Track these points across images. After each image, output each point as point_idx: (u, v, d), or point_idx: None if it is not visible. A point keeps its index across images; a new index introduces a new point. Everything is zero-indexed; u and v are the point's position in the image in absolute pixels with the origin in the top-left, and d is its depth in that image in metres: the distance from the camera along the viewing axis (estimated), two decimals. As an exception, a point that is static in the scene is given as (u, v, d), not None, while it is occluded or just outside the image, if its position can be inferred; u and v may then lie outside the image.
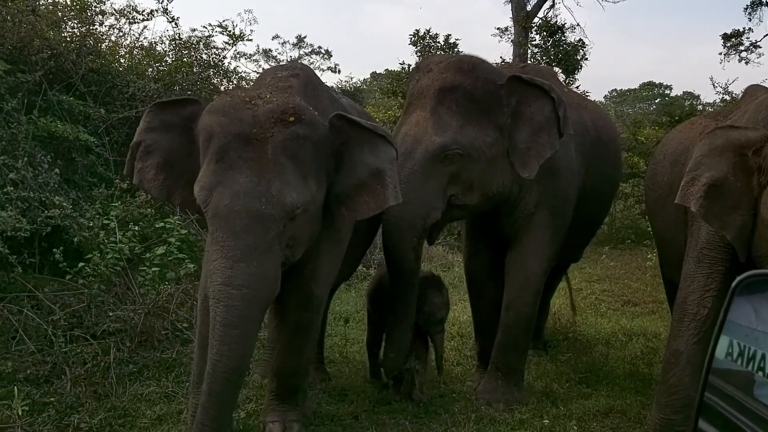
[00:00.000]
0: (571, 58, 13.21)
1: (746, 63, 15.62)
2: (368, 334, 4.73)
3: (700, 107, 17.41)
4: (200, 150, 3.02)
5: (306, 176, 2.97)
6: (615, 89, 33.21)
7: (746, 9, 15.34)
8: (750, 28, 15.59)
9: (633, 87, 33.09)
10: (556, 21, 14.35)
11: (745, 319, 1.65)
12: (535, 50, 13.71)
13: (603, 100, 30.00)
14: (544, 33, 13.77)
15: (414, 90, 4.01)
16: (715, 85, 14.91)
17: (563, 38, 13.65)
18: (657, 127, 12.32)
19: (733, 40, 15.55)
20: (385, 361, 4.19)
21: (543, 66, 6.00)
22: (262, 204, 2.83)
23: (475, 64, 3.92)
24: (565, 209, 4.30)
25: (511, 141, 3.86)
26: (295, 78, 3.41)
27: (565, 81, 13.43)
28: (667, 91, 31.36)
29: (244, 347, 2.85)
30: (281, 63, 20.97)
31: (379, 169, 3.19)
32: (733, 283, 1.68)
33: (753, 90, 4.20)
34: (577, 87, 13.41)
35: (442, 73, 3.85)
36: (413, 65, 13.15)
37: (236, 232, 2.80)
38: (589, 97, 13.44)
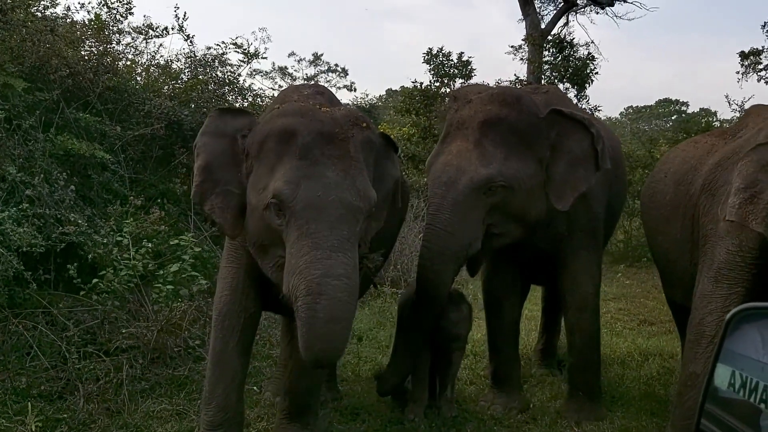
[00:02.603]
0: (580, 72, 13.23)
1: (766, 83, 15.41)
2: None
3: (716, 124, 17.26)
4: (268, 153, 2.99)
5: (370, 179, 3.05)
6: (631, 106, 33.23)
7: (764, 26, 15.24)
8: (768, 47, 15.39)
9: (649, 104, 33.10)
10: (565, 36, 14.40)
11: (748, 350, 1.63)
12: (546, 67, 13.74)
13: (619, 116, 29.97)
14: (553, 49, 13.82)
15: (453, 120, 4.03)
16: (731, 102, 14.67)
17: (572, 53, 13.69)
18: (673, 144, 12.23)
19: (751, 58, 15.41)
20: (381, 378, 4.29)
21: (551, 86, 6.06)
22: (353, 196, 2.86)
23: (518, 96, 3.97)
24: (598, 228, 4.40)
25: (548, 173, 3.91)
26: (321, 96, 3.51)
27: (576, 96, 13.45)
28: (683, 108, 31.27)
29: (346, 340, 2.80)
30: (296, 81, 21.14)
31: (397, 178, 3.37)
32: (727, 316, 1.67)
33: (757, 109, 4.17)
34: (588, 101, 13.41)
35: (486, 105, 3.89)
36: (427, 82, 13.28)
37: (331, 222, 2.78)
38: (600, 112, 13.50)
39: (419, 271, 3.98)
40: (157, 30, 7.62)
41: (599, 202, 4.35)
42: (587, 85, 13.40)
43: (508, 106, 3.86)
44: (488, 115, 3.83)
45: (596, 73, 13.42)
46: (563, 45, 13.84)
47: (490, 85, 12.87)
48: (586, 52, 13.83)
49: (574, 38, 14.40)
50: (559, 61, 13.59)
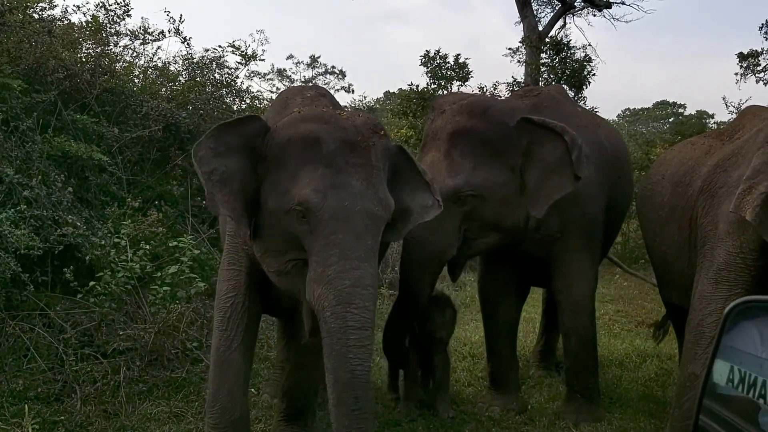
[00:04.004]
0: (577, 74, 13.22)
1: (765, 84, 15.37)
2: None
3: (713, 125, 17.27)
4: (290, 158, 2.94)
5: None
6: (628, 108, 33.18)
7: (761, 28, 15.24)
8: (767, 49, 15.37)
9: (646, 106, 33.07)
10: (562, 38, 14.41)
11: (747, 345, 1.63)
12: (543, 69, 13.73)
13: (616, 119, 30.00)
14: (550, 51, 13.82)
15: (429, 130, 4.11)
16: (728, 104, 14.63)
17: (569, 55, 13.68)
18: (669, 146, 12.24)
19: (749, 60, 15.40)
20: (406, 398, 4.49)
21: (552, 87, 6.04)
22: (376, 206, 2.87)
23: (486, 107, 4.01)
24: (595, 230, 4.38)
25: (523, 181, 3.93)
26: (324, 97, 3.53)
27: (573, 98, 13.42)
28: (680, 110, 31.29)
29: (372, 347, 2.83)
30: (294, 83, 21.13)
31: (407, 209, 3.21)
32: (726, 309, 1.67)
33: (753, 110, 4.18)
34: (585, 103, 13.39)
35: (455, 116, 3.95)
36: (422, 86, 13.27)
37: (358, 233, 2.79)
38: (598, 114, 13.50)
39: (400, 277, 4.09)
40: (154, 34, 7.61)
41: (595, 203, 4.32)
42: (584, 87, 13.39)
43: (475, 116, 3.91)
44: (456, 127, 3.90)
45: (593, 74, 13.43)
46: (560, 47, 13.84)
47: (488, 86, 12.96)
48: (583, 54, 13.82)
49: (570, 40, 14.41)
50: (556, 63, 13.59)
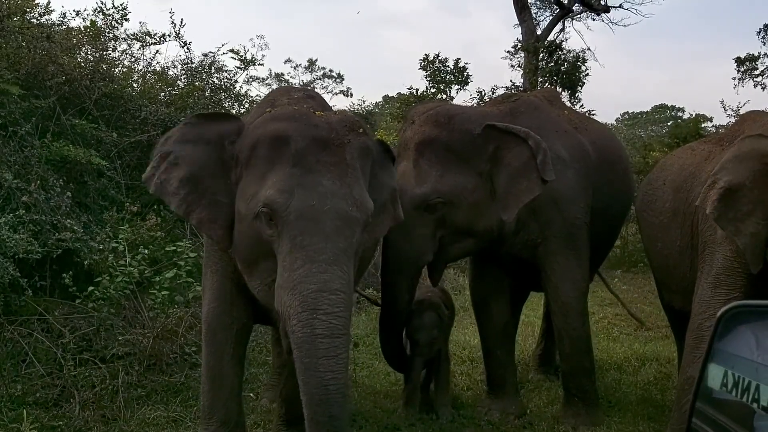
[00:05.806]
0: (570, 75, 13.20)
1: (762, 88, 15.32)
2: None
3: (712, 128, 17.19)
4: (259, 159, 2.86)
5: (366, 187, 2.95)
6: (627, 112, 33.20)
7: (759, 32, 15.23)
8: (765, 53, 15.34)
9: (645, 109, 33.08)
10: (555, 40, 14.42)
11: (741, 350, 1.63)
12: (538, 72, 13.75)
13: (615, 122, 29.97)
14: (542, 54, 13.83)
15: (401, 140, 4.21)
16: (726, 108, 14.57)
17: (561, 57, 13.68)
18: (666, 149, 12.24)
19: (747, 64, 15.40)
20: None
21: (541, 90, 6.06)
22: (350, 206, 2.73)
23: (451, 115, 4.06)
24: (578, 233, 4.35)
25: (493, 186, 3.98)
26: (312, 99, 3.45)
27: (568, 100, 13.38)
28: (679, 114, 31.28)
29: (347, 357, 2.65)
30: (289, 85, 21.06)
31: (395, 188, 3.28)
32: (719, 313, 1.67)
33: (753, 116, 4.20)
34: (582, 106, 13.35)
35: (422, 126, 4.03)
36: (422, 90, 13.31)
37: (327, 234, 2.65)
38: (594, 117, 13.46)
39: (381, 283, 4.18)
40: (155, 37, 7.61)
41: (575, 206, 4.32)
42: (579, 88, 13.38)
43: (439, 126, 3.98)
44: (423, 137, 3.97)
45: (587, 75, 13.41)
46: (552, 49, 13.85)
47: (487, 90, 12.97)
48: (576, 55, 13.79)
49: (563, 41, 14.42)
50: (550, 66, 13.59)
